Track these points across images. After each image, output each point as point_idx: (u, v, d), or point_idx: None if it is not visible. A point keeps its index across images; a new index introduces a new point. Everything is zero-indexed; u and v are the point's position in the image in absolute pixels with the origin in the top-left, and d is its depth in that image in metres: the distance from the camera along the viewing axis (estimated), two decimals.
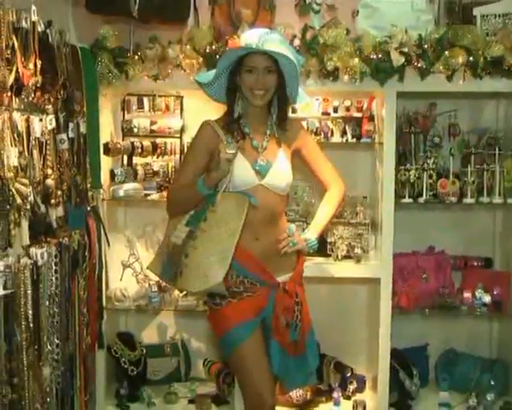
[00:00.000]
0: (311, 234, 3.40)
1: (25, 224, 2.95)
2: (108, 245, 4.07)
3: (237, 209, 3.10)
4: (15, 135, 2.85)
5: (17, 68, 2.81)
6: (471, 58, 3.85)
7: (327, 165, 3.50)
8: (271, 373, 3.29)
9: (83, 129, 3.60)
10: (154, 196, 4.32)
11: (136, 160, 4.40)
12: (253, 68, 3.15)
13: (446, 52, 3.84)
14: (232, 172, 3.14)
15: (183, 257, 3.15)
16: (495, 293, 4.24)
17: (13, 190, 2.76)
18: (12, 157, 2.80)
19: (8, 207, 2.72)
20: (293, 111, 4.23)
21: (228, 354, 3.39)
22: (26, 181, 2.89)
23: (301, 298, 3.36)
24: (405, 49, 3.83)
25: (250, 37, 3.17)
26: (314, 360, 3.49)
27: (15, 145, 2.84)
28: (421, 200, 4.19)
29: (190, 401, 4.35)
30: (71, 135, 3.44)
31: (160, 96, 4.40)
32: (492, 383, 4.32)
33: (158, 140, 4.43)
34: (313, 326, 3.49)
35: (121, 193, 4.19)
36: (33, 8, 2.98)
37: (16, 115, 2.89)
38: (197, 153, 3.28)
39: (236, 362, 3.33)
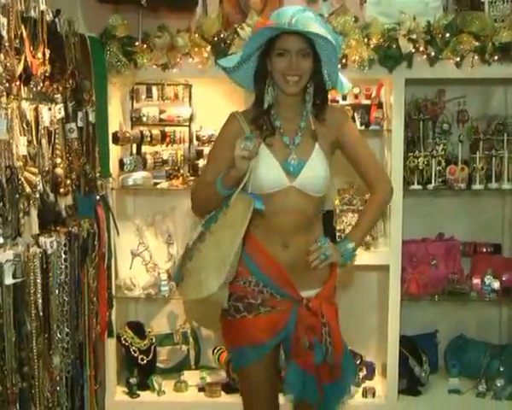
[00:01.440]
0: (348, 243, 3.01)
1: (34, 213, 2.95)
2: (118, 234, 4.08)
3: (243, 213, 2.75)
4: (24, 124, 2.86)
5: (26, 58, 2.81)
6: (479, 44, 3.85)
7: (372, 162, 3.07)
8: (275, 400, 3.10)
9: (92, 118, 3.59)
10: (164, 184, 4.33)
11: (145, 148, 4.39)
12: (286, 51, 2.78)
13: (455, 38, 3.84)
14: (254, 171, 2.79)
15: (188, 260, 2.89)
16: (504, 279, 4.25)
17: (22, 179, 2.77)
18: (21, 146, 2.80)
19: (17, 196, 2.73)
20: None
21: (234, 367, 3.30)
22: (35, 170, 2.90)
23: (329, 318, 2.95)
24: (414, 36, 3.83)
25: (281, 15, 2.79)
26: (349, 384, 3.13)
27: (24, 134, 2.85)
28: (431, 187, 4.20)
29: (200, 390, 4.35)
30: (80, 124, 3.44)
31: (169, 84, 4.39)
32: (502, 369, 4.34)
33: (167, 129, 4.42)
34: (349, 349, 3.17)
35: (130, 182, 4.20)
36: None
37: (25, 104, 2.89)
38: (221, 149, 2.93)
39: (240, 379, 3.19)
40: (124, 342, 4.37)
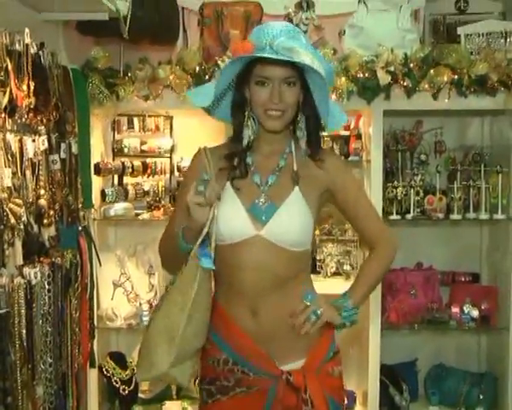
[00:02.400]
0: (347, 300, 2.49)
1: (18, 244, 2.97)
2: (100, 264, 4.08)
3: (192, 274, 2.28)
4: (9, 156, 2.88)
5: (11, 90, 2.84)
6: (456, 76, 3.92)
7: (373, 216, 2.61)
8: None
9: (74, 149, 3.61)
10: (145, 215, 4.35)
11: (126, 179, 4.42)
12: (267, 79, 2.32)
13: (432, 71, 3.91)
14: (217, 218, 2.31)
15: (146, 329, 2.43)
16: (483, 307, 4.29)
17: (7, 210, 2.79)
18: (6, 178, 2.82)
19: (2, 227, 2.75)
20: None
21: None
22: (19, 201, 2.91)
23: (314, 394, 2.39)
24: (391, 68, 3.90)
25: (262, 33, 2.29)
26: None
27: (9, 166, 2.87)
28: (409, 216, 4.24)
29: None
30: (63, 155, 3.45)
31: (150, 116, 4.44)
32: (481, 396, 4.36)
33: (148, 160, 4.47)
34: None
35: (112, 213, 4.22)
36: (26, 30, 3.02)
37: (10, 136, 2.92)
38: (185, 191, 2.32)
39: None
40: (105, 372, 4.36)
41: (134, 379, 4.43)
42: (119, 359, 4.47)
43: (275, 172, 2.45)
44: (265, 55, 2.24)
